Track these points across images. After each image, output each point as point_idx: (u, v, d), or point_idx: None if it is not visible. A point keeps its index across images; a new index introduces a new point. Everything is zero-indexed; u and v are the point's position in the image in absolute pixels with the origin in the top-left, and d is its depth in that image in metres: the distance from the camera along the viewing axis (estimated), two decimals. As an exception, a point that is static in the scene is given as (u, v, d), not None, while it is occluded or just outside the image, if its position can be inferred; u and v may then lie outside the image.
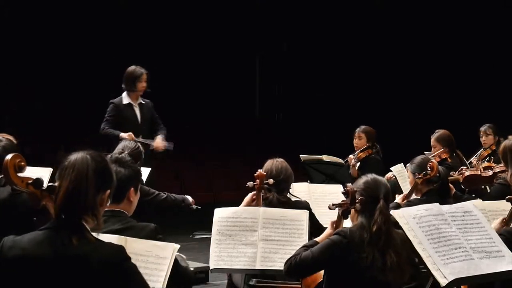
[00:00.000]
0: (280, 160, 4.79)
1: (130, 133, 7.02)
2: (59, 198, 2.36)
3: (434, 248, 3.56)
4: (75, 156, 2.43)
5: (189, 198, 5.79)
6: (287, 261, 3.60)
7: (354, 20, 15.87)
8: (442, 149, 6.73)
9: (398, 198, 5.37)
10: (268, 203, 4.56)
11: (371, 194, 3.51)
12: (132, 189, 3.26)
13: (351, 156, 7.32)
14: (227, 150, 15.14)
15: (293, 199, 4.80)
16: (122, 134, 6.97)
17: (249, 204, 4.62)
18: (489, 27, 14.04)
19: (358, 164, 7.29)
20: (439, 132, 6.95)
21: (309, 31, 16.60)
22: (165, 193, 5.57)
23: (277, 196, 4.61)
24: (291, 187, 4.80)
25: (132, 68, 7.34)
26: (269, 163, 4.75)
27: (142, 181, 4.71)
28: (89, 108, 14.11)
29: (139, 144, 5.41)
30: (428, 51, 15.00)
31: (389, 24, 15.41)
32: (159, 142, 7.22)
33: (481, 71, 14.25)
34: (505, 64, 13.65)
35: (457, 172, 6.37)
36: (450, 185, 5.36)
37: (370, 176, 3.63)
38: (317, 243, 3.63)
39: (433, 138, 6.92)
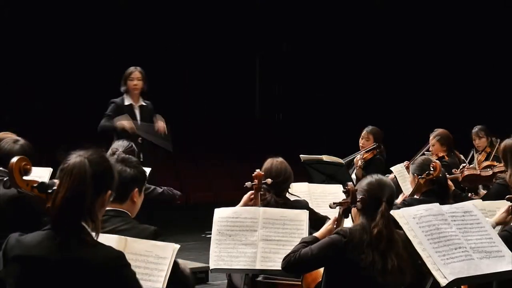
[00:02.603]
0: (280, 160, 4.74)
1: (130, 121, 6.97)
2: (56, 204, 2.34)
3: (434, 248, 3.56)
4: (74, 160, 2.38)
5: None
6: (285, 257, 3.58)
7: (354, 20, 15.88)
8: (440, 148, 6.81)
9: (399, 199, 5.36)
10: (266, 204, 4.54)
11: (373, 195, 3.49)
12: (136, 189, 3.23)
13: (357, 157, 7.30)
14: (227, 150, 15.14)
15: (292, 198, 4.78)
16: (124, 123, 6.91)
17: (246, 204, 4.60)
18: (489, 28, 14.05)
19: (363, 164, 7.27)
20: (438, 131, 7.03)
21: (309, 31, 16.60)
22: (161, 188, 5.52)
23: (275, 197, 4.59)
24: (290, 187, 4.78)
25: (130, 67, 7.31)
26: (269, 163, 4.71)
27: None
28: (89, 108, 14.12)
29: (132, 143, 5.35)
30: (428, 51, 15.00)
31: (389, 24, 15.41)
32: (160, 123, 7.19)
33: (480, 71, 14.26)
34: (503, 65, 13.66)
35: (458, 170, 6.43)
36: (450, 182, 5.38)
37: (375, 177, 3.59)
38: (316, 238, 3.64)
39: (432, 137, 7.02)
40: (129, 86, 7.19)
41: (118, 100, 7.24)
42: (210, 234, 4.38)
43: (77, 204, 2.34)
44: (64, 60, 14.47)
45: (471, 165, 6.97)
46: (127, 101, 7.23)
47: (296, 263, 3.53)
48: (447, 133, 7.03)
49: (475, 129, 7.91)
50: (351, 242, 3.40)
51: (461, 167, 6.47)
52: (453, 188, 5.37)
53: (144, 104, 7.30)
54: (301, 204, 4.65)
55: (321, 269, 3.73)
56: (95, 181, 2.37)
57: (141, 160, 7.04)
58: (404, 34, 15.16)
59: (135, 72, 7.20)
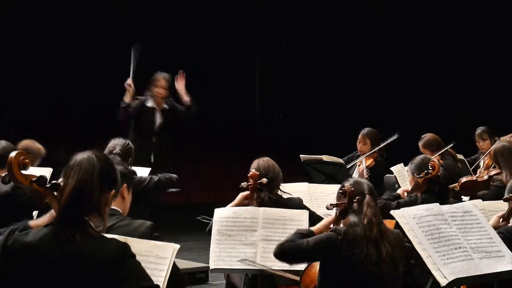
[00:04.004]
0: (266, 158, 4.75)
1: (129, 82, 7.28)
2: (65, 197, 2.37)
3: (434, 248, 3.57)
4: (81, 156, 2.44)
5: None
6: (280, 244, 3.65)
7: (354, 20, 15.87)
8: (431, 153, 6.68)
9: (400, 190, 5.37)
10: (260, 202, 4.54)
11: (356, 193, 3.61)
12: (125, 185, 3.28)
13: (361, 167, 7.23)
14: (227, 150, 15.14)
15: (285, 196, 4.78)
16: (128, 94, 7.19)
17: (241, 203, 4.60)
18: (488, 29, 14.05)
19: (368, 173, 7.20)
20: (424, 138, 6.96)
21: (309, 31, 16.60)
22: (157, 175, 5.67)
23: (268, 195, 4.59)
24: (280, 184, 4.78)
25: (157, 73, 7.52)
26: (255, 163, 4.71)
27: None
28: (89, 109, 14.13)
29: (129, 141, 5.51)
30: (428, 50, 15.00)
31: (389, 24, 15.41)
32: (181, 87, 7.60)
33: (482, 71, 14.26)
34: (506, 66, 13.66)
35: (456, 170, 6.40)
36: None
37: (350, 180, 3.78)
38: (311, 231, 3.73)
39: (420, 145, 6.92)
40: (153, 92, 7.39)
41: (142, 98, 7.43)
42: (205, 218, 4.39)
43: (85, 197, 2.37)
44: (63, 60, 14.46)
45: (478, 169, 6.90)
46: (150, 103, 7.41)
47: (290, 252, 3.60)
48: (433, 138, 6.91)
49: (478, 130, 7.78)
50: (346, 239, 3.48)
51: (459, 182, 6.37)
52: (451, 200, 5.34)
53: (166, 107, 7.45)
54: (295, 201, 4.66)
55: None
56: (102, 176, 2.42)
57: (152, 161, 7.15)
58: (405, 34, 15.16)
59: (161, 81, 7.44)
